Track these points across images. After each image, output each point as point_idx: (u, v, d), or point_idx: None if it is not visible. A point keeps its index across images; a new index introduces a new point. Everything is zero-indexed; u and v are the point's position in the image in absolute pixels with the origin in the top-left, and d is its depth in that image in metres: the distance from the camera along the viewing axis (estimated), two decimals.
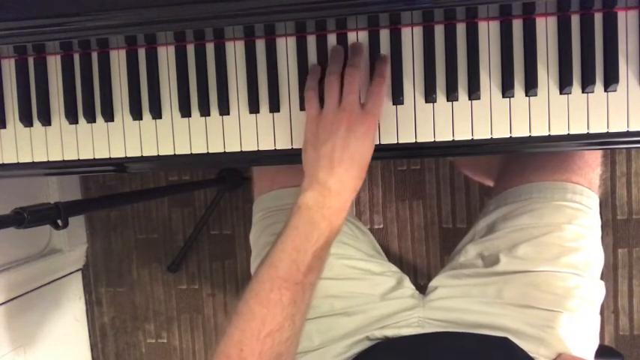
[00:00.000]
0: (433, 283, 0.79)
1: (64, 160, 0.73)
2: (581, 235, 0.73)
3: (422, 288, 0.81)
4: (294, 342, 0.60)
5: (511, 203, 0.78)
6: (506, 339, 0.68)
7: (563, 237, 0.73)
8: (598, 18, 0.62)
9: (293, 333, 0.59)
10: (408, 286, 0.80)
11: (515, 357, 0.66)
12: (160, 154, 0.70)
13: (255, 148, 0.69)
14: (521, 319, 0.70)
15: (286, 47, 0.67)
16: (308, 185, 0.61)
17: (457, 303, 0.74)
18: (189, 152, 0.70)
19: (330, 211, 0.59)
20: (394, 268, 0.84)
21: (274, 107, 0.68)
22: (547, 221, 0.74)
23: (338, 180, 0.59)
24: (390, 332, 0.73)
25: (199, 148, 0.70)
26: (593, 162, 0.78)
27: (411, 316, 0.75)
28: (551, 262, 0.71)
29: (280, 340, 0.58)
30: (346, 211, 0.61)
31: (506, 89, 0.63)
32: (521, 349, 0.66)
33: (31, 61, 0.72)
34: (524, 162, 0.81)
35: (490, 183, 1.04)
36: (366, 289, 0.77)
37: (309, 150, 0.62)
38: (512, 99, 0.64)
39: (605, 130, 0.63)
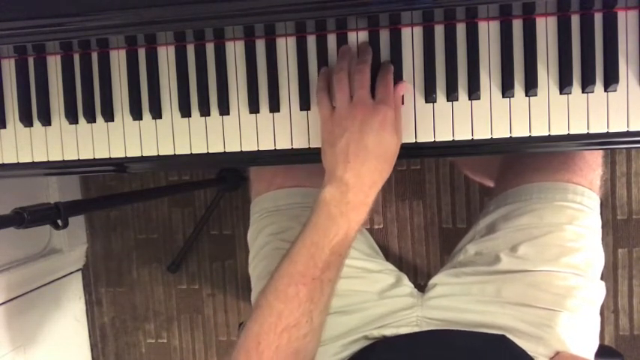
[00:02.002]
0: (433, 280, 0.79)
1: (64, 160, 0.73)
2: (581, 236, 0.73)
3: (422, 288, 0.81)
4: (313, 340, 0.60)
5: (512, 203, 0.78)
6: (503, 337, 0.68)
7: (563, 237, 0.73)
8: (598, 18, 0.62)
9: (311, 330, 0.59)
10: (407, 284, 0.80)
11: (513, 354, 0.66)
12: (160, 154, 0.70)
13: (255, 148, 0.69)
14: (520, 317, 0.70)
15: (286, 47, 0.67)
16: (327, 181, 0.61)
17: (455, 302, 0.74)
18: (189, 152, 0.70)
19: (348, 207, 0.59)
20: (392, 267, 0.84)
21: (274, 107, 0.68)
22: (548, 221, 0.74)
23: (354, 174, 0.59)
24: (389, 332, 0.73)
25: (199, 148, 0.70)
26: (593, 163, 0.78)
27: (409, 315, 0.75)
28: (552, 262, 0.71)
29: (297, 336, 0.58)
30: (367, 207, 0.61)
31: (506, 89, 0.63)
32: (519, 347, 0.67)
33: (31, 61, 0.72)
34: (524, 162, 0.81)
35: (490, 183, 1.04)
36: (364, 286, 0.77)
37: (326, 149, 0.62)
38: (512, 99, 0.64)
39: (605, 130, 0.63)
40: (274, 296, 0.59)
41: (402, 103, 0.65)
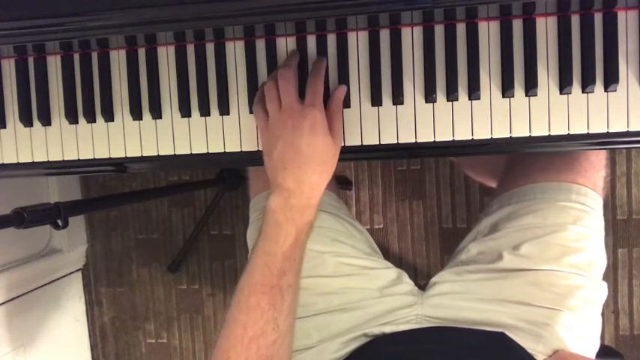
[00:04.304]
0: (434, 279, 0.79)
1: (64, 160, 0.73)
2: (584, 236, 0.73)
3: (421, 288, 0.81)
4: (283, 344, 0.61)
5: (515, 203, 0.78)
6: (502, 334, 0.68)
7: (566, 237, 0.73)
8: (598, 18, 0.62)
9: (279, 336, 0.60)
10: (407, 282, 0.80)
11: (511, 351, 0.66)
12: (160, 154, 0.70)
13: (255, 148, 0.69)
14: (520, 316, 0.70)
15: (286, 47, 0.67)
16: (271, 190, 0.62)
17: (456, 300, 0.74)
18: (189, 152, 0.70)
19: (293, 211, 0.60)
20: (391, 266, 0.84)
21: None
22: (551, 221, 0.74)
23: (293, 179, 0.60)
24: (388, 329, 0.73)
25: (199, 148, 0.70)
26: (598, 164, 0.78)
27: (409, 313, 0.75)
28: (554, 261, 0.72)
29: (266, 344, 0.59)
30: (312, 208, 0.62)
31: (506, 89, 0.63)
32: (518, 344, 0.67)
33: (31, 61, 0.72)
34: (529, 163, 0.81)
35: (493, 184, 1.04)
36: (364, 283, 0.78)
37: (266, 158, 0.63)
38: (512, 99, 0.64)
39: (605, 130, 0.63)
40: (237, 309, 0.61)
41: (343, 106, 0.66)
